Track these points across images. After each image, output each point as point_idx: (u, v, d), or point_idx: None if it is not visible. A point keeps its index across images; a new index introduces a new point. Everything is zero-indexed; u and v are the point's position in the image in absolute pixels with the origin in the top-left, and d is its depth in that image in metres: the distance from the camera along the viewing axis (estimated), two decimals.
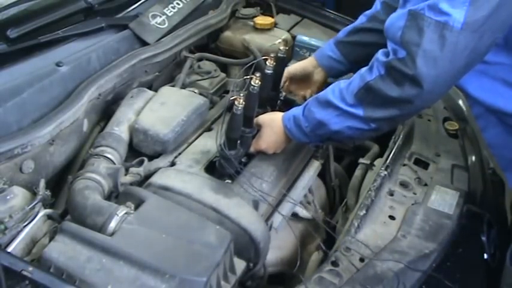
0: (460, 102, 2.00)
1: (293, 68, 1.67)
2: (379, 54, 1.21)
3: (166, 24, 1.83)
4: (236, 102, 1.27)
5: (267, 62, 1.44)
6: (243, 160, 1.45)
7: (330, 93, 1.28)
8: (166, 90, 1.59)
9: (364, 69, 1.24)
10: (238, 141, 1.35)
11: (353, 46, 1.60)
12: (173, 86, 1.71)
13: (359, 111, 1.22)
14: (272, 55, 1.44)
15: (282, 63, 1.54)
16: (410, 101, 1.15)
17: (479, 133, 1.82)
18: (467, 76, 1.19)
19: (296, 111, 1.36)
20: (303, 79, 1.66)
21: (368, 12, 1.63)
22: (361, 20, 1.64)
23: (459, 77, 1.18)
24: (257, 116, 1.43)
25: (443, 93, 1.21)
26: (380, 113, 1.21)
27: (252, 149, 1.44)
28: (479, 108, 1.33)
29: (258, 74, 1.31)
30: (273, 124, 1.40)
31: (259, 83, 1.31)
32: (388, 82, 1.16)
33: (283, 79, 1.60)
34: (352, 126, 1.25)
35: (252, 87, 1.31)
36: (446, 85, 1.17)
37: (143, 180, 1.33)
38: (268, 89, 1.48)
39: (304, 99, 1.61)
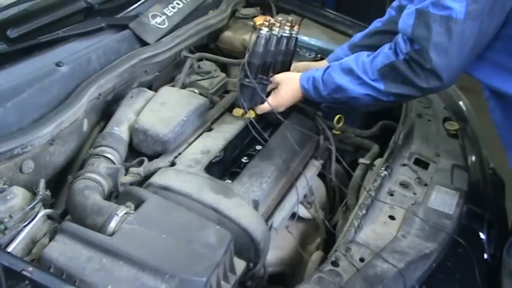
0: (460, 102, 2.01)
1: (303, 67, 1.67)
2: (400, 40, 1.30)
3: (166, 24, 1.83)
4: (263, 27, 1.46)
5: (258, 25, 1.54)
6: (243, 160, 1.45)
7: (353, 62, 1.38)
8: (166, 90, 1.58)
9: (387, 48, 1.34)
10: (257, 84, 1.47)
11: (369, 49, 1.60)
12: (173, 86, 1.71)
13: (380, 85, 1.33)
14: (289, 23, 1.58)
15: (294, 43, 1.63)
16: (433, 90, 1.31)
17: (480, 133, 1.83)
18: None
19: (316, 73, 1.45)
20: None
21: (382, 18, 1.69)
22: (376, 25, 1.69)
23: (470, 60, 1.28)
24: None
25: (459, 75, 1.31)
26: (400, 89, 1.32)
27: (269, 102, 1.51)
28: (486, 90, 1.39)
29: (267, 19, 1.49)
30: (290, 82, 1.50)
31: (267, 29, 1.47)
32: (413, 69, 1.27)
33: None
34: (371, 95, 1.36)
35: (260, 32, 1.47)
36: (460, 70, 1.29)
37: (143, 180, 1.33)
38: (282, 55, 1.58)
39: None
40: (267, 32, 1.48)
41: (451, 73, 1.26)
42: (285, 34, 1.55)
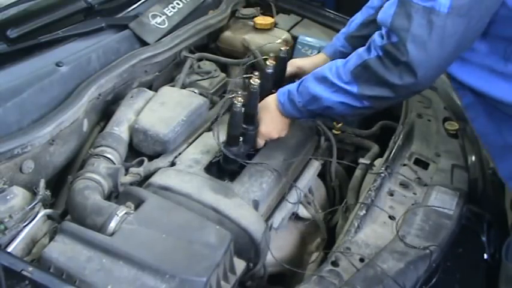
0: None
1: (302, 62, 1.66)
2: (376, 36, 1.24)
3: (166, 24, 1.83)
4: (235, 101, 1.29)
5: (267, 62, 1.47)
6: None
7: (327, 69, 1.32)
8: (166, 90, 1.58)
9: (361, 48, 1.28)
10: (241, 139, 1.37)
11: (366, 40, 1.58)
12: (173, 86, 1.71)
13: (353, 88, 1.26)
14: (272, 55, 1.47)
15: (282, 63, 1.57)
16: (407, 88, 1.21)
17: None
18: (454, 62, 1.23)
19: (291, 86, 1.39)
20: None
21: (374, 4, 1.64)
22: (369, 12, 1.65)
23: (450, 61, 1.22)
24: None
25: (437, 76, 1.25)
26: (374, 91, 1.24)
27: (258, 140, 1.44)
28: (469, 97, 1.34)
29: (256, 73, 1.34)
30: (267, 106, 1.43)
31: (259, 81, 1.33)
32: (386, 66, 1.20)
33: (291, 71, 1.62)
34: (344, 102, 1.29)
35: (252, 86, 1.33)
36: (438, 69, 1.22)
37: (143, 180, 1.33)
38: (269, 88, 1.49)
39: None
40: (240, 103, 1.31)
41: (428, 71, 1.18)
42: (268, 70, 1.48)
